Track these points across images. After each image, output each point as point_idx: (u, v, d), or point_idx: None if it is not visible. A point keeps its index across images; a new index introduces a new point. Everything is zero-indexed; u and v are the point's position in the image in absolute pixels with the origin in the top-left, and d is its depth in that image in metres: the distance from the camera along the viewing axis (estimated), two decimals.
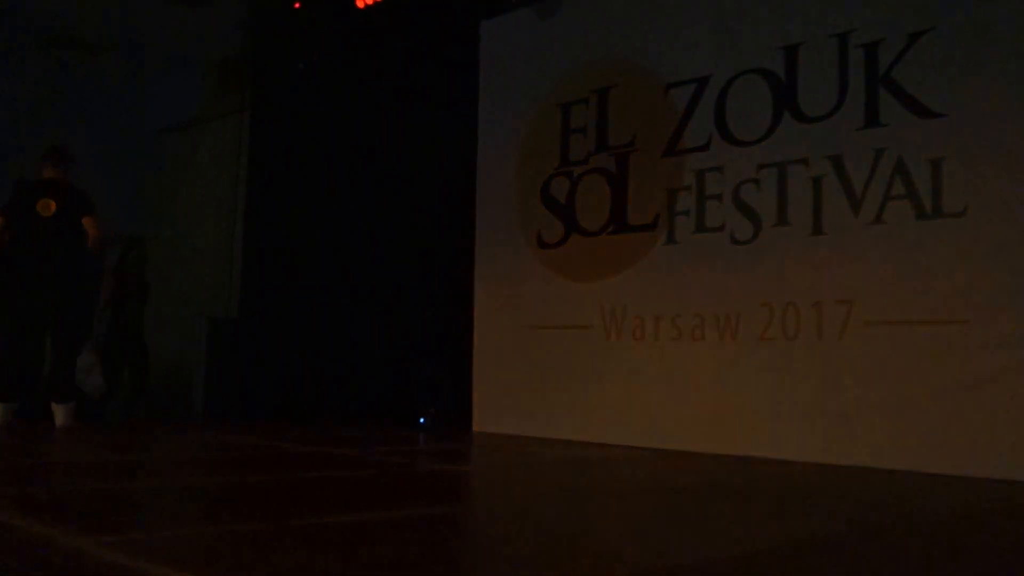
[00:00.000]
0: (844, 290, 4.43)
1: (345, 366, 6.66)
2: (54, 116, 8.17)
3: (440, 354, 6.20)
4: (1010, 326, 3.92)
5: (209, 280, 8.08)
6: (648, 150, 5.33)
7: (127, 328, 7.14)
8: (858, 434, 4.29)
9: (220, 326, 7.39)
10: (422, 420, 6.11)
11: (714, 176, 5.00)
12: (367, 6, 6.74)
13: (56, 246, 5.56)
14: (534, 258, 5.80)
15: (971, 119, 4.11)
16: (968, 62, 4.15)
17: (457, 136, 6.29)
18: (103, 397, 6.51)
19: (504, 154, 6.05)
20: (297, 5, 7.47)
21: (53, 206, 5.57)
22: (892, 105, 4.37)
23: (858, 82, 4.49)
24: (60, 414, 5.57)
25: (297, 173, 7.39)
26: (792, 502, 3.47)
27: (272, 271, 7.47)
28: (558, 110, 5.80)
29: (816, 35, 4.66)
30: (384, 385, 6.46)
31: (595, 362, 5.40)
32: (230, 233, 8.00)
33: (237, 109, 8.16)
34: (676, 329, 5.05)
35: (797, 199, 4.66)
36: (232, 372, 7.06)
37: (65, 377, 5.67)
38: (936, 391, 4.09)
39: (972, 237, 4.07)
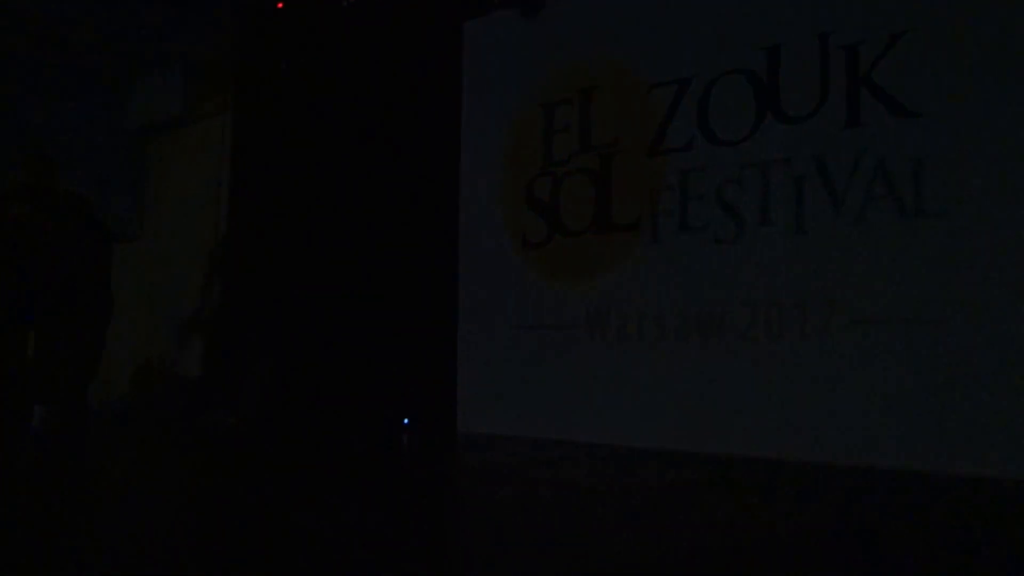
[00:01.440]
0: (827, 289, 4.45)
1: (330, 367, 6.62)
2: (33, 116, 8.09)
3: (424, 354, 6.17)
4: (991, 326, 3.94)
5: (191, 282, 8.01)
6: (632, 150, 5.33)
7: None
8: (841, 433, 4.31)
9: (203, 329, 7.34)
10: (406, 421, 6.09)
11: (697, 176, 5.01)
12: (350, 4, 6.71)
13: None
14: (518, 258, 5.79)
15: (951, 120, 4.14)
16: (948, 63, 4.17)
17: (441, 136, 6.27)
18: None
19: (488, 154, 6.04)
20: (280, 4, 7.43)
21: (29, 212, 5.56)
22: (873, 106, 4.39)
23: (839, 83, 4.51)
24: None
25: (281, 174, 7.33)
26: (771, 500, 3.48)
27: (256, 273, 7.42)
28: (541, 110, 5.80)
29: (797, 36, 4.67)
30: (369, 385, 6.42)
31: (579, 362, 5.39)
32: (213, 235, 7.95)
33: (220, 109, 8.10)
34: (660, 329, 5.06)
35: (780, 199, 4.68)
36: (215, 374, 7.01)
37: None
38: (918, 390, 4.11)
39: (953, 237, 4.09)
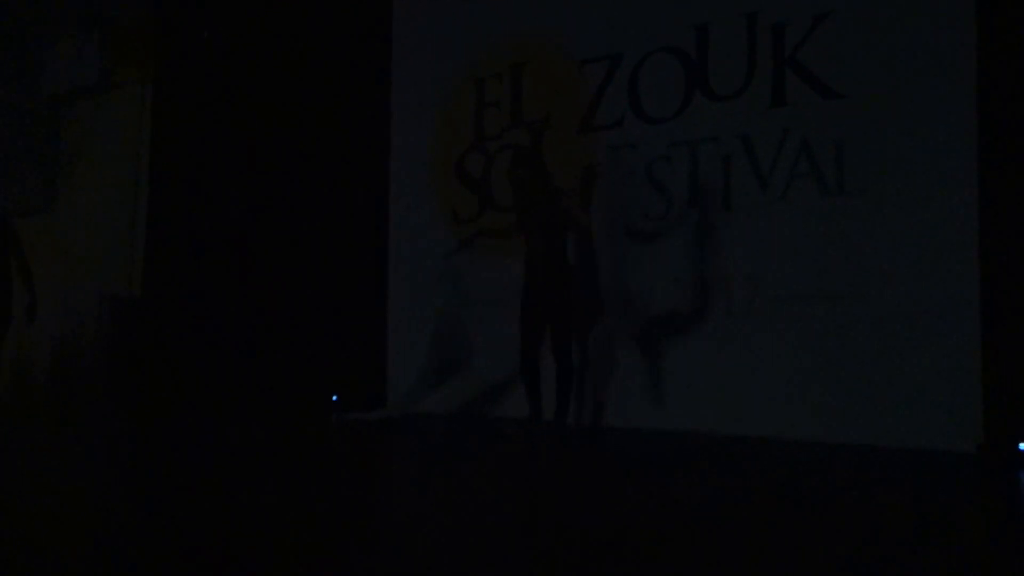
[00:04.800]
0: (752, 266, 4.55)
1: (256, 344, 6.48)
2: None
3: (354, 330, 6.09)
4: (908, 301, 4.09)
5: (110, 257, 7.74)
6: (563, 126, 5.33)
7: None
8: (763, 406, 4.42)
9: (121, 305, 7.10)
10: (335, 398, 6.02)
11: (627, 153, 5.04)
12: None
13: None
14: (448, 233, 5.75)
15: (872, 100, 4.25)
16: (869, 44, 4.28)
17: (370, 108, 6.15)
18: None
19: (418, 127, 5.96)
20: None
21: None
22: (798, 85, 4.48)
23: (766, 63, 4.59)
24: None
25: (203, 145, 7.11)
26: (694, 472, 3.55)
27: (178, 247, 7.19)
28: (472, 84, 5.74)
29: (726, 15, 4.72)
30: (296, 363, 6.31)
31: (511, 338, 5.38)
32: (132, 209, 7.67)
33: (139, 77, 7.79)
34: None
35: (707, 177, 4.74)
36: (134, 353, 6.80)
37: None
38: (837, 363, 4.25)
39: (872, 214, 4.22)
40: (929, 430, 3.97)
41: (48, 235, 8.19)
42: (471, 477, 3.43)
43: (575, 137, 5.26)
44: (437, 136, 5.89)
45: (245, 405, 6.12)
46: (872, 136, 4.25)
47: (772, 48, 4.57)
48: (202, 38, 7.06)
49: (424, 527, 2.44)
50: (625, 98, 5.07)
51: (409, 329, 5.87)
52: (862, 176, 4.27)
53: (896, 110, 4.18)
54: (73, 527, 2.35)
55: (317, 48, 6.45)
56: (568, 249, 4.52)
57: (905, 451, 3.92)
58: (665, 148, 4.90)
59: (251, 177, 6.72)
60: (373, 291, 6.02)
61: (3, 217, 5.29)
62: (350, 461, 3.96)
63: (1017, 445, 3.76)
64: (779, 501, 2.89)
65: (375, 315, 5.99)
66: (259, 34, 6.81)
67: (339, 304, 6.13)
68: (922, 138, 4.11)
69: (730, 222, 4.64)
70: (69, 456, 3.92)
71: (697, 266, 4.73)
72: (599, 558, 2.06)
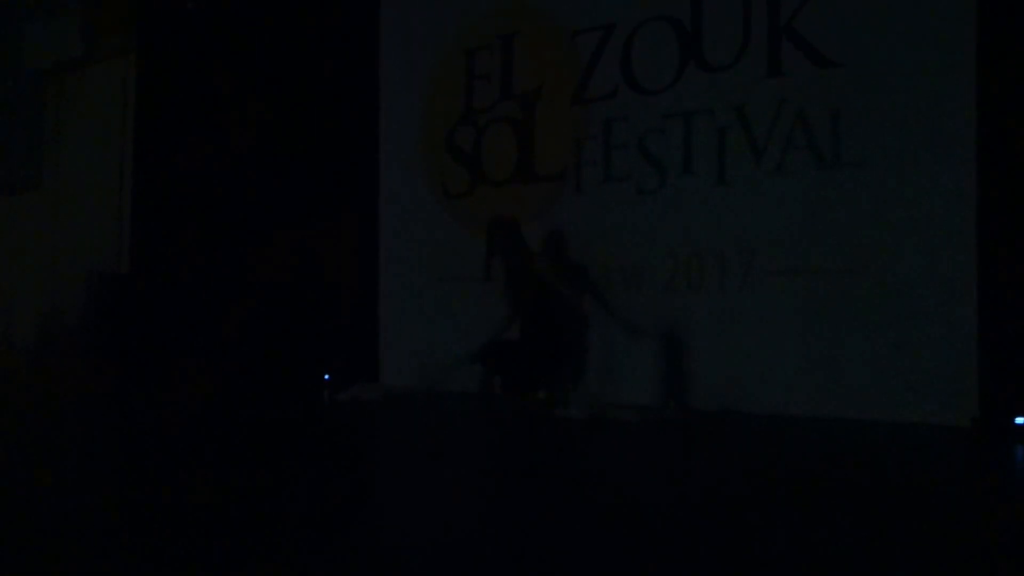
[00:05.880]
0: (746, 240, 4.48)
1: (245, 322, 6.41)
2: None
3: (345, 306, 6.03)
4: (904, 274, 4.04)
5: (96, 233, 7.64)
6: (555, 98, 5.24)
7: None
8: (757, 380, 4.38)
9: (108, 282, 7.02)
10: (327, 376, 5.97)
11: (620, 125, 4.96)
12: None
13: None
14: (439, 209, 5.68)
15: (869, 69, 4.17)
16: (866, 12, 4.19)
17: (359, 80, 6.05)
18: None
19: (408, 100, 5.86)
20: None
21: None
22: (794, 55, 4.39)
23: (761, 32, 4.49)
24: None
25: (189, 118, 6.99)
26: (690, 449, 3.52)
27: (166, 222, 7.09)
28: (462, 56, 5.63)
29: None
30: (287, 341, 6.25)
31: (501, 313, 5.33)
32: (118, 183, 7.57)
33: (123, 50, 7.65)
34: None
35: (702, 149, 4.67)
36: (121, 330, 6.73)
37: None
38: (834, 338, 4.20)
39: (869, 186, 4.15)
40: (925, 404, 3.93)
41: (34, 211, 8.09)
42: (461, 454, 3.40)
43: (567, 109, 5.17)
44: (427, 109, 5.79)
45: (234, 384, 6.07)
46: (869, 106, 4.17)
47: (767, 17, 4.48)
48: (186, 7, 6.91)
49: (416, 508, 2.41)
50: (618, 69, 4.98)
51: (400, 303, 5.81)
52: (858, 148, 4.19)
53: (894, 80, 4.10)
54: (58, 510, 2.30)
55: (304, 19, 6.33)
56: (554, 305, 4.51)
57: (901, 425, 3.89)
58: (659, 120, 4.81)
59: (239, 151, 6.62)
60: (364, 267, 5.95)
61: None
62: (342, 441, 3.92)
63: (1014, 419, 3.73)
64: (772, 476, 2.85)
65: (366, 292, 5.93)
66: (245, 4, 6.68)
67: (329, 281, 6.06)
68: (920, 108, 4.03)
69: (725, 195, 4.57)
70: (55, 438, 3.87)
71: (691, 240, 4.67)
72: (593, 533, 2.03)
